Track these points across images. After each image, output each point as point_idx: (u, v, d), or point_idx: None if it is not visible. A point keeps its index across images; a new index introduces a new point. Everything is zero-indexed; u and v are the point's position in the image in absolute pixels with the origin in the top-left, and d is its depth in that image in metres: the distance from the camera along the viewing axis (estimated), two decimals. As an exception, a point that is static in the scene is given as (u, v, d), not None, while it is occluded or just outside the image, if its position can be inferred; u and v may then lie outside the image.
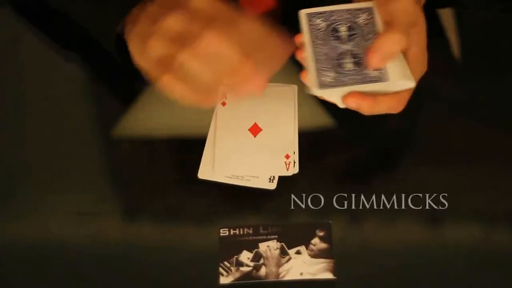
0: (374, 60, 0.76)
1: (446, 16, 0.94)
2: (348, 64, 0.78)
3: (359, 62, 0.78)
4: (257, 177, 0.83)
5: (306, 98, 0.87)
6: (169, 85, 0.75)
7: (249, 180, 0.83)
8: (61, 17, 0.88)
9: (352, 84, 0.77)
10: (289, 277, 0.78)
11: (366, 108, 0.76)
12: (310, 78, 0.77)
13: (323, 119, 0.87)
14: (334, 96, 0.78)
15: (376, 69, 0.77)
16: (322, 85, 0.77)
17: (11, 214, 0.84)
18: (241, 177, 0.83)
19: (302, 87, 0.87)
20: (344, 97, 0.76)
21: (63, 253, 0.81)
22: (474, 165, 0.85)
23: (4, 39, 0.94)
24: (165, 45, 0.74)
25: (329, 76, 0.77)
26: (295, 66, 0.91)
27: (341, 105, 0.79)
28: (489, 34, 0.95)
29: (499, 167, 0.85)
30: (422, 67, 0.78)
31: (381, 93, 0.77)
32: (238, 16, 0.75)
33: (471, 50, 0.93)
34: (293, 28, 0.96)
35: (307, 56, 0.79)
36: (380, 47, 0.76)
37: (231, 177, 0.83)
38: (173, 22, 0.74)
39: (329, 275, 0.78)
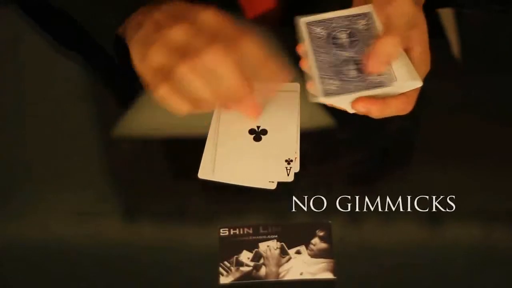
0: (373, 65, 0.76)
1: (446, 16, 0.94)
2: (352, 71, 0.78)
3: (362, 69, 0.78)
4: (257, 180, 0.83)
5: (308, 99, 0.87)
6: (164, 95, 0.75)
7: (249, 180, 0.83)
8: (62, 16, 0.88)
9: (357, 90, 0.77)
10: (289, 277, 0.78)
11: (376, 112, 0.77)
12: (314, 86, 0.78)
13: (325, 120, 0.87)
14: (343, 102, 0.78)
15: (379, 74, 0.77)
16: (327, 93, 0.77)
17: (11, 214, 0.84)
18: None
19: (304, 87, 0.87)
20: (353, 103, 0.77)
21: (63, 253, 0.81)
22: (474, 165, 0.85)
23: (4, 39, 0.94)
24: (166, 54, 0.74)
25: (334, 84, 0.78)
26: (296, 64, 0.91)
27: (350, 110, 0.79)
28: (489, 34, 0.95)
29: (499, 167, 0.85)
30: (425, 67, 0.79)
31: (389, 96, 0.78)
32: (242, 36, 0.75)
33: (471, 50, 0.93)
34: (294, 30, 0.96)
35: (310, 64, 0.79)
36: (377, 51, 0.76)
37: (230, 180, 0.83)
38: (177, 33, 0.74)
39: (329, 275, 0.78)
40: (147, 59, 0.75)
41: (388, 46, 0.76)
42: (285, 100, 0.87)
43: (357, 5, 0.83)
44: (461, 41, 0.93)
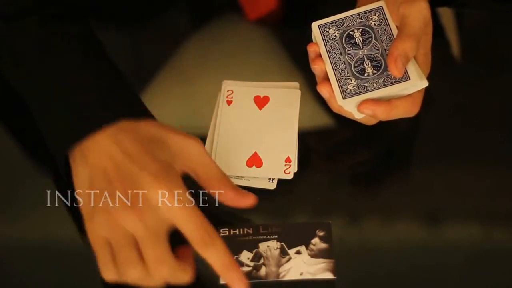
0: (397, 67, 0.76)
1: (446, 16, 0.94)
2: (368, 69, 0.78)
3: (378, 65, 0.78)
4: (257, 177, 0.83)
5: (309, 99, 0.87)
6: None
7: (249, 180, 0.83)
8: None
9: (374, 88, 0.77)
10: (289, 277, 0.78)
11: (383, 114, 0.77)
12: (333, 89, 0.79)
13: (325, 120, 0.87)
14: (351, 106, 0.78)
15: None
16: (346, 95, 0.78)
17: (12, 214, 0.84)
18: (241, 177, 0.83)
19: (304, 86, 0.87)
20: (359, 106, 0.77)
21: (63, 253, 0.81)
22: (475, 165, 0.85)
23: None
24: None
25: (351, 84, 0.78)
26: (297, 63, 0.91)
27: (357, 115, 0.79)
28: (489, 34, 0.95)
29: (499, 167, 0.85)
30: (427, 68, 0.79)
31: (395, 98, 0.78)
32: None
33: (471, 50, 0.93)
34: (294, 30, 0.96)
35: (327, 68, 0.79)
36: (401, 54, 0.76)
37: (231, 177, 0.83)
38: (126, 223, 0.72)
39: (329, 275, 0.78)
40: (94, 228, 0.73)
41: (409, 49, 0.76)
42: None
43: (362, 2, 0.83)
44: (461, 41, 0.93)
